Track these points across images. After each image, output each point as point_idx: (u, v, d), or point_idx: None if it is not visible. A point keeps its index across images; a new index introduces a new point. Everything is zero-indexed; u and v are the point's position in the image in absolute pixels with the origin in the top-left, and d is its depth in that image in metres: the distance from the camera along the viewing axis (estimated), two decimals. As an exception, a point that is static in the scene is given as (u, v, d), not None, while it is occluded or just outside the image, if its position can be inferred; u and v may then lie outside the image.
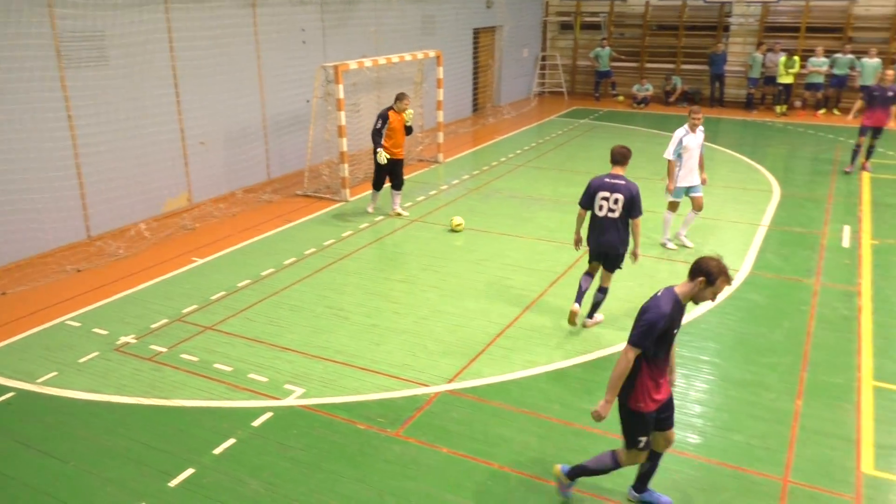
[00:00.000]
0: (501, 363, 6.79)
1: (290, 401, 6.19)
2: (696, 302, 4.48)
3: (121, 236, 10.19)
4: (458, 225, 10.37)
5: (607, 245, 7.11)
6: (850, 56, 18.64)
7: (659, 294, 4.50)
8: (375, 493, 5.06)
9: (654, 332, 4.34)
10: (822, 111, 19.43)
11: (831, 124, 18.16)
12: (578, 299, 7.41)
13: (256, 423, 5.87)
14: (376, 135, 10.61)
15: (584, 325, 7.54)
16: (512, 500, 5.00)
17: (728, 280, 4.36)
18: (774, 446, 5.52)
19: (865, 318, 7.63)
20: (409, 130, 10.93)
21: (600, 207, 7.07)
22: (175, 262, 9.36)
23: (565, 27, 23.23)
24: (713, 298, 4.46)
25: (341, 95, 11.54)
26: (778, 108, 19.56)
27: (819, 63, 18.76)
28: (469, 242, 10.05)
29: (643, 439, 4.56)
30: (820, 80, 18.92)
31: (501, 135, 17.26)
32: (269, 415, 5.98)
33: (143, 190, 10.70)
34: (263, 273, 8.99)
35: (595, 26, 22.53)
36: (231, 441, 5.64)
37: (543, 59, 23.27)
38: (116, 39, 9.87)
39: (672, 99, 20.95)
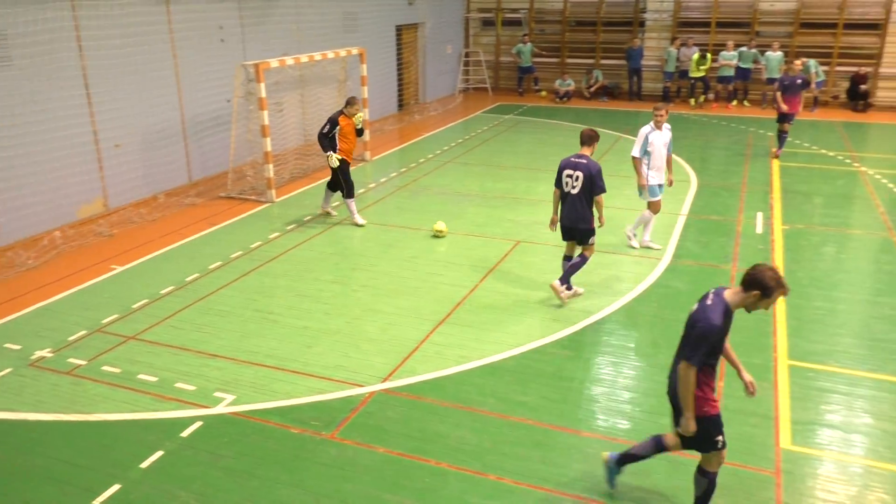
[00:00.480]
0: (435, 360, 6.81)
1: (220, 408, 6.03)
2: (748, 311, 4.34)
3: (32, 246, 9.69)
4: (441, 231, 10.02)
5: (572, 219, 7.67)
6: (753, 50, 19.48)
7: (708, 303, 4.27)
8: (312, 498, 4.99)
9: (707, 345, 4.22)
10: (733, 103, 20.26)
11: (742, 115, 18.96)
12: (563, 281, 7.92)
13: (185, 433, 5.70)
14: (324, 139, 10.24)
15: (561, 297, 7.86)
16: (450, 496, 5.03)
17: (785, 291, 4.17)
18: (700, 427, 5.72)
19: (779, 301, 7.99)
20: (359, 133, 10.74)
21: (566, 184, 7.66)
22: (93, 271, 8.98)
23: (487, 23, 23.44)
24: (766, 308, 4.30)
25: (263, 94, 11.30)
26: (693, 101, 20.29)
27: (729, 57, 19.55)
28: (399, 240, 10.02)
29: (720, 438, 4.48)
30: (731, 73, 19.71)
31: (428, 131, 17.28)
32: (198, 424, 5.82)
33: (55, 196, 10.21)
34: (188, 279, 8.72)
35: (516, 22, 22.81)
36: (159, 453, 5.45)
37: (467, 55, 23.41)
38: (19, 39, 9.37)
39: (592, 90, 21.41)
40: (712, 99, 20.51)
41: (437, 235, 10.04)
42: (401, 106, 19.99)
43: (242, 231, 10.47)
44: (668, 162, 9.29)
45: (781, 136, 14.20)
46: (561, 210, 7.77)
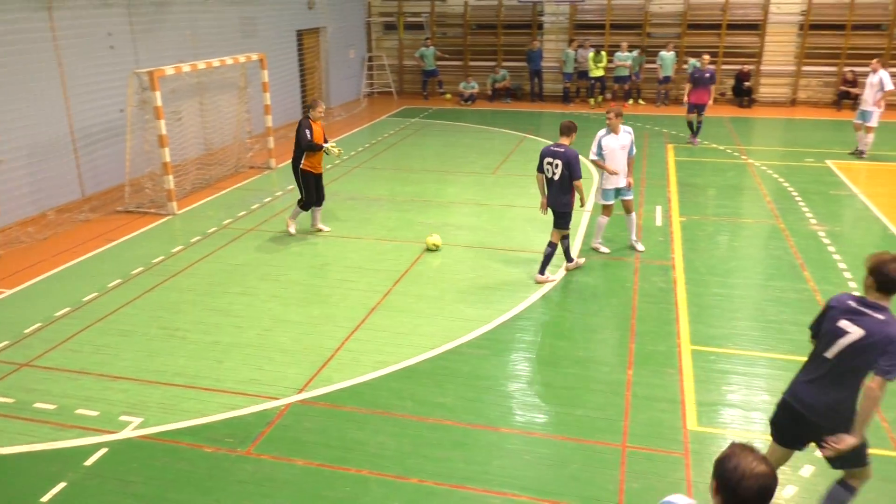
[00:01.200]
0: (351, 367, 6.74)
1: (126, 433, 5.75)
2: None
3: None
4: (436, 244, 9.60)
5: (552, 203, 8.41)
6: (631, 54, 20.30)
7: (882, 318, 4.01)
8: (230, 518, 4.84)
9: None
10: (630, 101, 21.07)
11: (638, 113, 19.74)
12: (542, 270, 8.55)
13: (90, 461, 5.41)
14: (311, 145, 9.81)
15: (535, 280, 8.55)
16: (372, 503, 4.98)
17: None
18: (612, 416, 5.93)
19: (680, 289, 8.38)
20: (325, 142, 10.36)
21: (548, 171, 8.31)
22: (-22, 296, 8.39)
23: (389, 27, 23.44)
24: None
25: (159, 103, 10.88)
26: (592, 101, 20.97)
27: (624, 57, 20.32)
28: (309, 248, 9.87)
29: (868, 451, 4.38)
30: (626, 73, 20.50)
31: (333, 137, 17.08)
32: (103, 451, 5.53)
33: (-68, 217, 9.48)
34: (85, 298, 8.28)
35: (418, 26, 22.92)
36: (62, 485, 5.15)
37: (370, 59, 23.33)
38: None
39: (498, 87, 21.75)
40: (610, 98, 21.25)
41: (432, 249, 9.58)
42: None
43: (143, 246, 10.03)
44: (629, 165, 9.17)
45: (697, 125, 15.60)
46: (548, 194, 8.44)
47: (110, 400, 6.22)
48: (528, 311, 7.86)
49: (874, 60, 14.51)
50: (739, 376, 6.54)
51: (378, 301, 8.14)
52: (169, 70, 11.23)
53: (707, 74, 15.12)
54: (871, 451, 5.07)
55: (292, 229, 10.29)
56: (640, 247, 9.55)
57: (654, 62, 20.40)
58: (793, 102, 20.62)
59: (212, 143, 14.35)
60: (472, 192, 12.50)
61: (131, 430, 5.79)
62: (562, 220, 8.44)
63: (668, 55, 19.95)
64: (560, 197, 8.32)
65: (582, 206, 8.50)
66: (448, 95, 22.44)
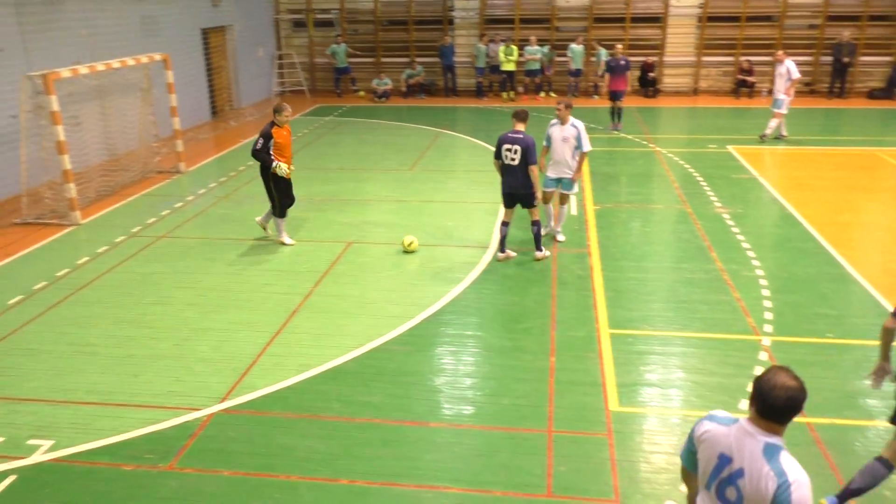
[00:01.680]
0: (275, 371, 6.61)
1: (36, 457, 5.45)
2: None
3: None
4: (411, 244, 9.36)
5: (514, 187, 8.69)
6: (541, 48, 20.74)
7: None
8: (153, 536, 4.66)
9: None
10: (542, 94, 21.48)
11: (550, 105, 20.14)
12: (501, 247, 9.03)
13: (-3, 490, 5.10)
14: (259, 154, 9.27)
15: (535, 258, 9.00)
16: (303, 507, 4.91)
17: None
18: (537, 403, 6.04)
19: (597, 275, 8.62)
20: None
21: (506, 157, 8.59)
22: None
23: (298, 24, 23.05)
24: None
25: (56, 108, 10.34)
26: (504, 95, 21.25)
27: (533, 51, 20.69)
28: (224, 252, 9.60)
29: None
30: (536, 66, 20.88)
31: (246, 138, 16.69)
32: (12, 479, 5.22)
33: None
34: (-16, 318, 7.80)
35: (328, 23, 22.64)
36: (-34, 517, 4.84)
37: (280, 57, 22.87)
38: None
39: (411, 83, 21.73)
40: (522, 92, 21.59)
41: (408, 251, 9.37)
42: (214, 113, 19.14)
43: (45, 259, 9.52)
44: (578, 161, 9.26)
45: (618, 112, 16.52)
46: (504, 179, 8.75)
47: (17, 424, 5.88)
48: (452, 305, 7.91)
49: (780, 52, 15.34)
50: (656, 356, 6.79)
51: (299, 303, 8.01)
52: (65, 72, 10.68)
53: (622, 62, 16.24)
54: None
55: (287, 240, 9.76)
56: (560, 237, 9.75)
57: (564, 55, 20.87)
58: (695, 91, 21.51)
59: (116, 149, 13.75)
60: (390, 189, 12.46)
61: (41, 454, 5.50)
62: (529, 201, 8.77)
63: (577, 48, 20.47)
64: (520, 180, 8.62)
65: (534, 193, 8.71)
66: (361, 93, 22.28)
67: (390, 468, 5.27)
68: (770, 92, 17.72)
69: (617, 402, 6.06)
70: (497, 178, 9.44)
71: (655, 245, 9.67)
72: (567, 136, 9.21)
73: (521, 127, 8.66)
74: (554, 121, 9.37)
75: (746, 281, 8.34)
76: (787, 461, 2.89)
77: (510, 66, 20.76)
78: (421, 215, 10.98)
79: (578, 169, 9.37)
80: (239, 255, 9.49)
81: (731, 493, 3.00)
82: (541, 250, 9.05)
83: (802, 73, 20.85)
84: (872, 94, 20.31)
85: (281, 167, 9.29)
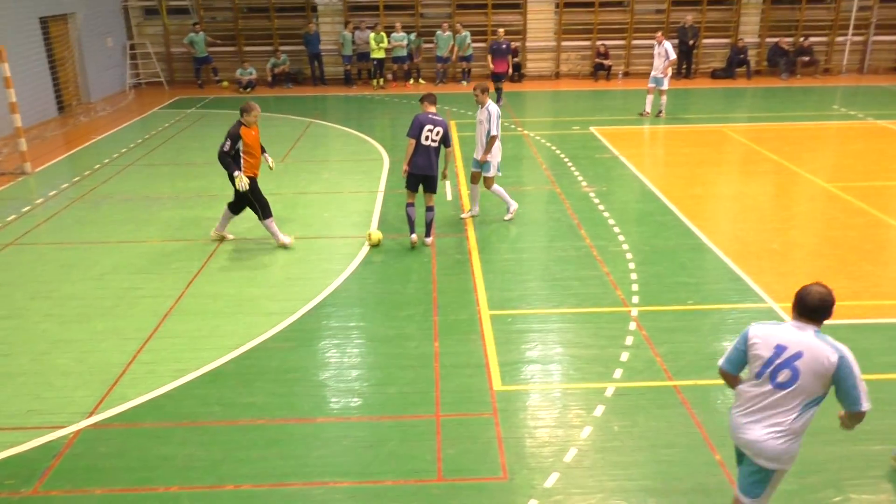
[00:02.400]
0: (148, 379, 6.26)
1: None
2: None
3: None
4: (374, 237, 9.09)
5: (425, 168, 8.73)
6: (408, 35, 20.80)
7: None
8: (20, 569, 4.31)
9: None
10: (410, 81, 21.51)
11: (418, 92, 20.21)
12: (412, 229, 9.04)
13: None
14: (226, 157, 8.58)
15: (425, 244, 9.07)
16: (187, 519, 4.70)
17: None
18: (423, 389, 6.09)
19: (475, 259, 8.78)
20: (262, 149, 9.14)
21: (426, 138, 8.65)
22: None
23: (151, 12, 21.76)
24: None
25: None
26: (374, 82, 21.12)
27: (399, 38, 20.67)
28: (84, 258, 8.96)
29: None
30: (403, 53, 20.89)
31: (99, 134, 15.63)
32: None
33: None
34: None
35: (183, 10, 21.52)
36: None
37: (132, 47, 21.51)
38: None
39: (277, 72, 21.13)
40: (391, 79, 21.53)
41: (375, 245, 9.06)
42: (61, 108, 17.73)
43: None
44: (487, 142, 9.40)
45: (498, 91, 17.40)
46: (415, 159, 8.71)
47: None
48: (333, 297, 7.80)
49: (658, 33, 16.47)
50: (535, 334, 7.02)
51: (171, 306, 7.62)
52: None
53: (504, 46, 17.47)
54: (647, 382, 5.70)
55: (286, 239, 9.11)
56: (464, 214, 10.21)
57: (431, 42, 21.00)
58: (557, 75, 22.28)
59: (-52, 150, 12.46)
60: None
61: None
62: (432, 185, 8.95)
63: (443, 35, 20.65)
64: (433, 162, 8.79)
65: (444, 176, 9.07)
66: (225, 83, 21.40)
67: (277, 469, 5.15)
68: (626, 74, 18.70)
69: (500, 381, 6.21)
70: (373, 167, 9.37)
71: (528, 226, 9.97)
72: (482, 119, 9.47)
73: (432, 109, 8.89)
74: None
75: (613, 255, 8.77)
76: (836, 341, 3.72)
77: (380, 54, 20.63)
78: (296, 207, 10.73)
79: (487, 150, 9.46)
80: (100, 260, 8.89)
81: (784, 375, 3.77)
82: (430, 236, 9.14)
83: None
84: (715, 74, 21.86)
85: (241, 178, 8.58)
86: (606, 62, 21.67)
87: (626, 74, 22.02)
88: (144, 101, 19.62)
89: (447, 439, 5.44)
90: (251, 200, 8.92)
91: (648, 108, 16.44)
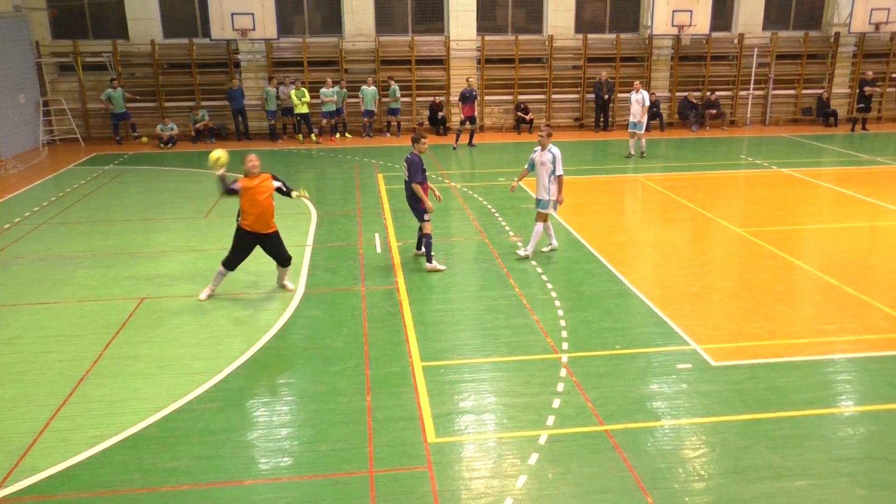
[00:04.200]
0: (62, 448, 5.90)
1: None
2: None
3: None
4: (218, 159, 8.89)
5: (407, 200, 10.16)
6: (335, 89, 21.03)
7: None
8: None
9: None
10: (337, 135, 21.61)
11: (346, 146, 20.34)
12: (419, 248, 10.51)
13: None
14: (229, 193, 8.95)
15: (426, 269, 10.01)
16: None
17: None
18: (356, 445, 5.96)
19: (406, 310, 8.75)
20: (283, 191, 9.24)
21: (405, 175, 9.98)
22: None
23: (66, 69, 21.23)
24: None
25: None
26: (300, 137, 21.10)
27: (329, 93, 20.83)
28: (-9, 322, 8.47)
29: None
30: (332, 107, 21.03)
31: (10, 193, 14.97)
32: None
33: None
34: None
35: (101, 66, 21.10)
36: None
37: (46, 104, 20.87)
38: None
39: (199, 127, 20.85)
40: (318, 133, 21.57)
41: (215, 164, 8.91)
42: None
43: None
44: (556, 185, 10.29)
45: (471, 133, 20.19)
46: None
47: None
48: (260, 354, 7.60)
49: (636, 82, 18.40)
50: (468, 384, 7.00)
51: (87, 369, 7.25)
52: None
53: (472, 93, 20.10)
54: (579, 428, 5.73)
55: (290, 285, 9.44)
56: (523, 252, 10.68)
57: (356, 97, 21.26)
58: (481, 129, 22.82)
59: None
60: (185, 238, 11.78)
61: None
62: (419, 215, 9.96)
63: (368, 89, 20.95)
64: (409, 194, 9.97)
65: (421, 208, 9.87)
66: (144, 139, 20.97)
67: None
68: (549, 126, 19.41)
69: (434, 433, 6.14)
70: (300, 221, 9.26)
71: (459, 276, 10.04)
72: (545, 161, 10.21)
73: (414, 148, 9.87)
74: (537, 147, 10.35)
75: (542, 303, 8.91)
76: None
77: (303, 109, 20.67)
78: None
79: (559, 191, 10.28)
80: (8, 323, 8.42)
81: None
82: (430, 262, 10.00)
83: (571, 109, 23.16)
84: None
85: (300, 192, 9.57)
86: (527, 116, 22.38)
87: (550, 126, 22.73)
88: (59, 158, 18.97)
89: (381, 496, 5.32)
90: (276, 250, 9.16)
91: (632, 151, 18.29)
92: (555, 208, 10.50)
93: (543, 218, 10.51)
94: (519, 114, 22.47)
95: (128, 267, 10.32)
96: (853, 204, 13.78)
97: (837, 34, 23.36)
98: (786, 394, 6.80)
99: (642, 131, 17.97)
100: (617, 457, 5.81)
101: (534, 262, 10.38)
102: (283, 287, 9.42)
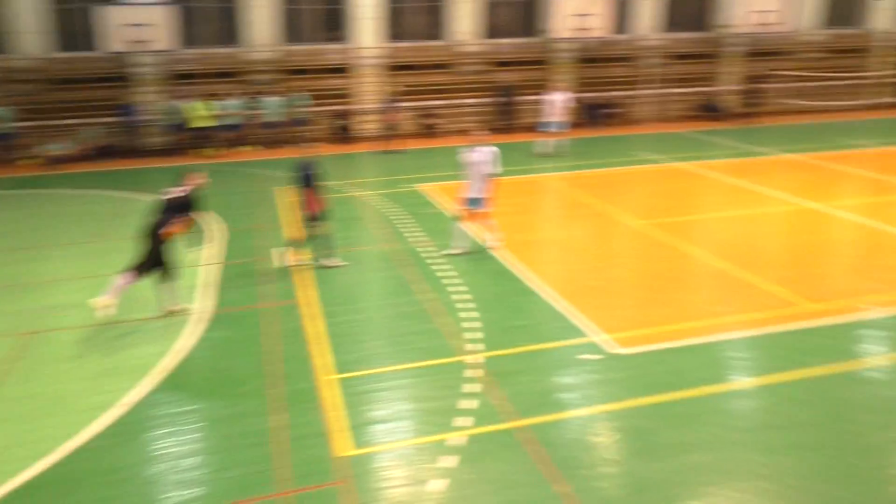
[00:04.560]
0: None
1: None
2: None
3: None
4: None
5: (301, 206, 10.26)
6: (237, 101, 20.62)
7: None
8: None
9: None
10: (240, 148, 21.07)
11: (248, 160, 19.88)
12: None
13: None
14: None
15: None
16: None
17: None
18: (267, 467, 5.82)
19: (314, 324, 8.62)
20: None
21: None
22: None
23: (-59, 89, 19.86)
24: None
25: None
26: (204, 151, 20.47)
27: (231, 105, 20.33)
28: None
29: None
30: (236, 120, 20.56)
31: None
32: None
33: None
34: None
35: (-22, 85, 19.82)
36: None
37: (-81, 128, 19.43)
38: None
39: (93, 145, 19.91)
40: (221, 147, 20.96)
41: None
42: None
43: None
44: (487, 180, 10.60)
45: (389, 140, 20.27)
46: None
47: None
48: (165, 383, 7.32)
49: (557, 83, 20.22)
50: (379, 393, 6.97)
51: (-30, 414, 6.79)
52: None
53: (393, 103, 20.55)
54: (492, 427, 5.78)
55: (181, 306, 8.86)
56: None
57: (258, 108, 20.87)
58: (388, 137, 22.75)
59: None
60: (78, 265, 11.20)
61: None
62: (312, 219, 10.31)
63: (271, 101, 20.62)
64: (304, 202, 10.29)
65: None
66: (33, 160, 19.81)
67: None
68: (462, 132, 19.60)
69: (347, 446, 6.08)
70: (204, 238, 8.94)
71: (365, 285, 9.98)
72: (480, 161, 10.56)
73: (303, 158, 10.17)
74: (469, 148, 10.62)
75: (450, 307, 8.97)
76: None
77: (205, 123, 20.08)
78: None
79: (489, 190, 10.70)
80: None
81: None
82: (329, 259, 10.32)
83: (477, 112, 23.43)
84: (534, 128, 23.24)
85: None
86: (432, 121, 22.50)
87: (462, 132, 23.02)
88: (-64, 185, 17.69)
89: (297, 517, 5.22)
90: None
91: (549, 150, 19.04)
92: (483, 207, 10.74)
93: (471, 217, 10.81)
94: (425, 120, 22.56)
95: (14, 300, 9.72)
96: (741, 193, 14.55)
97: (725, 35, 24.66)
98: (686, 374, 7.12)
99: (564, 130, 18.83)
100: (532, 450, 5.93)
101: (434, 266, 10.43)
102: (171, 311, 8.99)
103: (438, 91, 23.00)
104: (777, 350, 7.71)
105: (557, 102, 18.78)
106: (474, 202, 10.71)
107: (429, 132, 22.56)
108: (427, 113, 22.67)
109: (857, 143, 20.12)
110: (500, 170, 10.74)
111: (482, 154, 10.58)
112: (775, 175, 16.13)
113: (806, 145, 19.70)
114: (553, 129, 18.94)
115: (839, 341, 7.89)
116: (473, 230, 11.07)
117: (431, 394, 6.92)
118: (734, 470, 5.67)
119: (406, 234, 12.16)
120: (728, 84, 25.30)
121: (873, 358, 7.54)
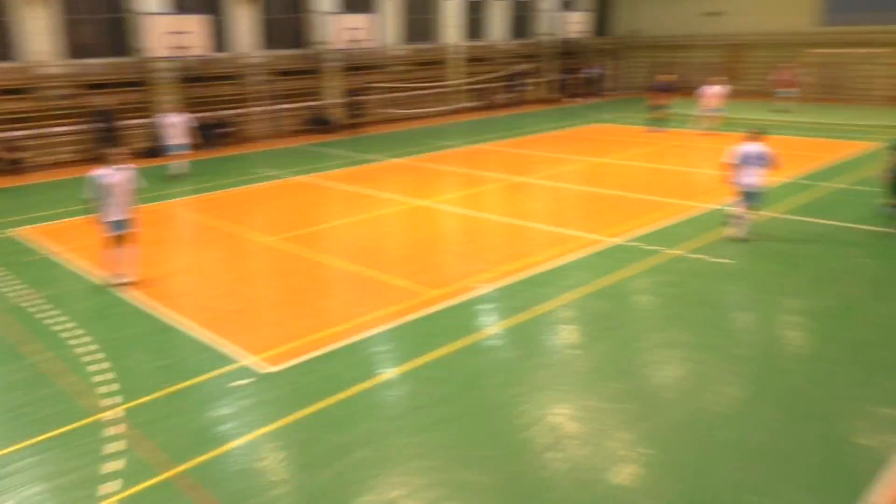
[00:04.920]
0: None
1: None
2: None
3: None
4: None
5: None
6: None
7: None
8: None
9: None
10: None
11: None
12: None
13: None
14: None
15: None
16: None
17: None
18: None
19: None
20: None
21: None
22: None
23: None
24: None
25: None
26: None
27: None
28: None
29: None
30: None
31: None
32: None
33: None
34: None
35: None
36: None
37: None
38: None
39: None
40: None
41: None
42: None
43: None
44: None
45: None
46: None
47: None
48: None
49: (170, 104, 17.65)
50: (1, 482, 5.84)
51: None
52: None
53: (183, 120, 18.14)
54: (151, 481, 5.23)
55: None
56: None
57: None
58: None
59: None
60: None
61: None
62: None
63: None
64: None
65: None
66: None
67: None
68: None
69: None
70: None
71: None
72: (121, 182, 10.03)
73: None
74: (105, 169, 9.94)
75: (73, 362, 7.91)
76: None
77: None
78: None
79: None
80: None
81: None
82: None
83: (73, 141, 20.97)
84: (147, 153, 21.25)
85: None
86: (18, 155, 19.54)
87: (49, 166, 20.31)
88: None
89: None
90: None
91: (183, 171, 18.33)
92: (129, 228, 10.31)
93: (117, 242, 10.15)
94: (9, 154, 19.45)
95: None
96: (359, 199, 15.58)
97: (322, 52, 25.98)
98: (337, 378, 7.38)
99: (185, 151, 18.24)
100: (197, 496, 5.55)
101: (60, 317, 9.14)
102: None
103: (19, 120, 20.03)
104: (412, 337, 8.44)
105: (178, 124, 18.17)
106: (118, 225, 10.11)
107: (14, 168, 19.51)
108: (9, 146, 19.58)
109: (448, 144, 23.06)
110: (143, 185, 10.59)
111: (122, 175, 10.11)
112: (386, 179, 17.63)
113: (407, 149, 21.93)
114: (175, 152, 18.22)
115: (461, 319, 8.95)
116: (112, 262, 10.19)
117: (66, 466, 6.02)
118: (394, 456, 6.05)
119: (5, 291, 10.36)
120: (332, 97, 26.82)
121: (489, 328, 8.72)
